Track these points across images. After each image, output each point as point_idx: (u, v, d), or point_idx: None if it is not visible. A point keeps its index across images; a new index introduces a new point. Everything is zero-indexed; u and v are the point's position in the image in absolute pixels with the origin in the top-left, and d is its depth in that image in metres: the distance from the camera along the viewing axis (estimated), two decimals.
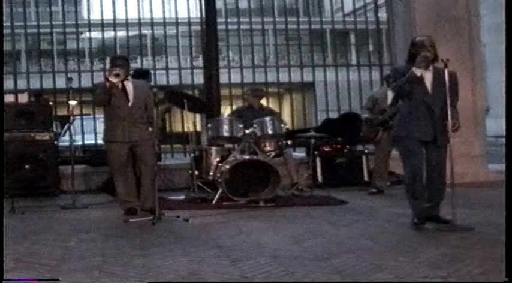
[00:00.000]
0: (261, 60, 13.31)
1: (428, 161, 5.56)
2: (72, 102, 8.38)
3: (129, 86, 6.80)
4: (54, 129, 9.37)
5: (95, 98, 6.88)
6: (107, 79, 6.59)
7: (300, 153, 10.11)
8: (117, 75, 6.51)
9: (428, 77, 5.55)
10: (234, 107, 9.57)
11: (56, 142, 9.05)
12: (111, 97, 6.70)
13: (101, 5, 10.34)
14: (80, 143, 10.29)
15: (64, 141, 10.51)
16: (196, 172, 7.69)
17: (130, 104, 6.72)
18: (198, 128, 8.64)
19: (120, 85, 6.74)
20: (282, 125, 8.16)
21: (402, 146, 5.67)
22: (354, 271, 3.93)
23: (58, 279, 3.82)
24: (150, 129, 6.74)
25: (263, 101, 9.23)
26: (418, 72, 5.45)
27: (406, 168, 5.61)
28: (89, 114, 11.44)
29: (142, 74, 8.44)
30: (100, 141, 9.89)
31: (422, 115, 5.53)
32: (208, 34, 9.81)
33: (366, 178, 9.14)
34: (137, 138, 6.68)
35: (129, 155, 6.77)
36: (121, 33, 11.78)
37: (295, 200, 7.66)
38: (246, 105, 8.77)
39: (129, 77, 6.87)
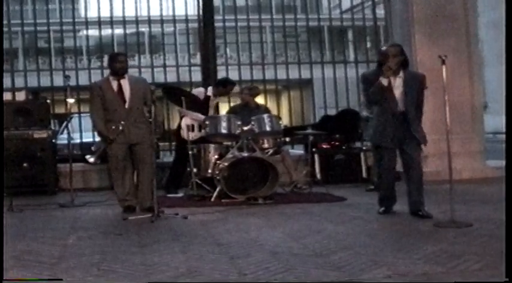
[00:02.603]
0: (259, 58, 13.34)
1: (406, 160, 5.92)
2: (70, 100, 8.37)
3: (126, 85, 6.72)
4: (52, 127, 9.37)
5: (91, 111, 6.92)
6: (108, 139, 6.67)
7: (298, 150, 10.12)
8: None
9: (397, 85, 5.85)
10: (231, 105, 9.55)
11: (54, 141, 9.05)
12: (104, 101, 6.68)
13: (98, 3, 10.33)
14: (78, 141, 10.28)
15: (62, 139, 10.51)
16: (195, 170, 7.68)
17: (127, 105, 6.66)
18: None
19: (116, 85, 6.70)
20: (280, 122, 8.20)
21: (374, 150, 6.43)
22: (352, 267, 3.93)
23: (61, 279, 3.81)
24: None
25: (261, 98, 9.23)
26: (384, 82, 5.76)
27: (377, 169, 6.32)
28: (87, 112, 11.42)
29: (220, 83, 8.51)
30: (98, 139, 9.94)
31: (390, 122, 5.84)
32: (206, 31, 9.81)
33: (364, 175, 9.15)
34: (136, 139, 6.63)
35: (128, 154, 6.75)
36: (118, 31, 11.78)
37: (293, 197, 7.67)
38: (242, 103, 8.76)
39: (125, 75, 6.81)
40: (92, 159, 9.84)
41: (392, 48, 5.99)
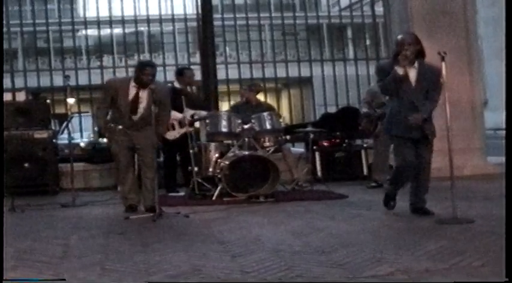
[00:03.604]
0: (258, 56, 13.34)
1: (417, 156, 5.74)
2: (70, 100, 8.37)
3: (144, 96, 6.40)
4: (53, 127, 9.37)
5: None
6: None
7: (299, 148, 10.12)
8: None
9: (412, 75, 5.65)
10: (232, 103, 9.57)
11: (54, 141, 9.05)
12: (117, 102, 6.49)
13: (97, 3, 10.34)
14: (78, 141, 10.29)
15: (63, 139, 10.52)
16: (196, 169, 7.68)
17: (137, 117, 6.48)
18: (197, 124, 8.63)
19: (134, 94, 6.45)
20: (280, 120, 8.21)
21: (395, 143, 5.92)
22: (354, 265, 3.93)
23: (64, 279, 3.80)
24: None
25: (261, 97, 9.23)
26: (400, 71, 5.55)
27: (397, 163, 5.90)
28: (87, 112, 11.46)
29: (178, 73, 8.47)
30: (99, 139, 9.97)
31: (408, 113, 5.62)
32: (205, 30, 9.80)
33: (365, 172, 9.16)
34: (140, 143, 6.52)
35: (131, 155, 6.70)
36: (117, 31, 11.80)
37: (294, 195, 7.67)
38: (244, 100, 8.77)
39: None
40: (82, 144, 9.88)
41: (408, 35, 5.81)
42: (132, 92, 6.47)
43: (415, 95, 5.66)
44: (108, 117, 6.74)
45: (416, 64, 5.66)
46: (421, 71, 5.68)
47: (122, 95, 6.47)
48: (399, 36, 5.87)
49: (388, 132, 5.93)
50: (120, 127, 6.56)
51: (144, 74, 6.39)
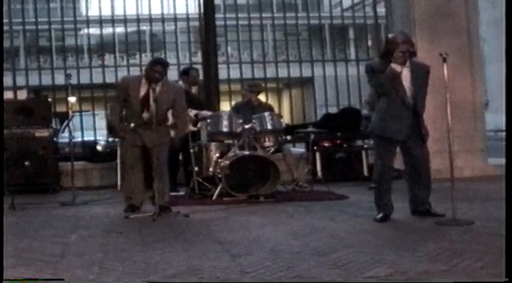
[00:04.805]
0: (260, 56, 13.33)
1: (411, 158, 5.71)
2: (71, 99, 8.36)
3: (155, 94, 6.26)
4: (54, 126, 9.38)
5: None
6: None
7: (299, 149, 10.12)
8: None
9: (405, 74, 5.56)
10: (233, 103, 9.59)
11: (55, 139, 9.06)
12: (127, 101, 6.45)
13: (99, 1, 10.34)
14: (79, 139, 10.29)
15: (63, 137, 10.52)
16: (196, 168, 7.68)
17: (147, 115, 6.38)
18: (198, 124, 8.63)
19: (145, 91, 6.37)
20: (282, 121, 8.22)
21: (377, 144, 5.87)
22: (354, 265, 3.93)
23: (63, 279, 3.80)
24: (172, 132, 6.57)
25: (262, 97, 9.23)
26: (398, 68, 5.45)
27: (377, 166, 5.82)
28: (88, 111, 11.47)
29: (183, 73, 8.49)
30: (99, 137, 9.99)
31: (398, 113, 5.56)
32: (207, 30, 9.81)
33: (365, 173, 9.15)
34: (150, 142, 6.37)
35: (140, 155, 6.57)
36: (119, 30, 11.80)
37: (295, 195, 7.66)
38: (245, 101, 8.77)
39: (159, 82, 6.33)
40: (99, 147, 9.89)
41: (401, 34, 5.72)
42: (143, 89, 6.42)
43: (408, 94, 5.57)
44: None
45: (408, 64, 5.57)
46: (414, 70, 5.61)
47: (134, 93, 6.42)
48: (391, 35, 5.83)
49: (374, 132, 5.77)
50: (132, 125, 6.49)
51: (153, 70, 6.34)
